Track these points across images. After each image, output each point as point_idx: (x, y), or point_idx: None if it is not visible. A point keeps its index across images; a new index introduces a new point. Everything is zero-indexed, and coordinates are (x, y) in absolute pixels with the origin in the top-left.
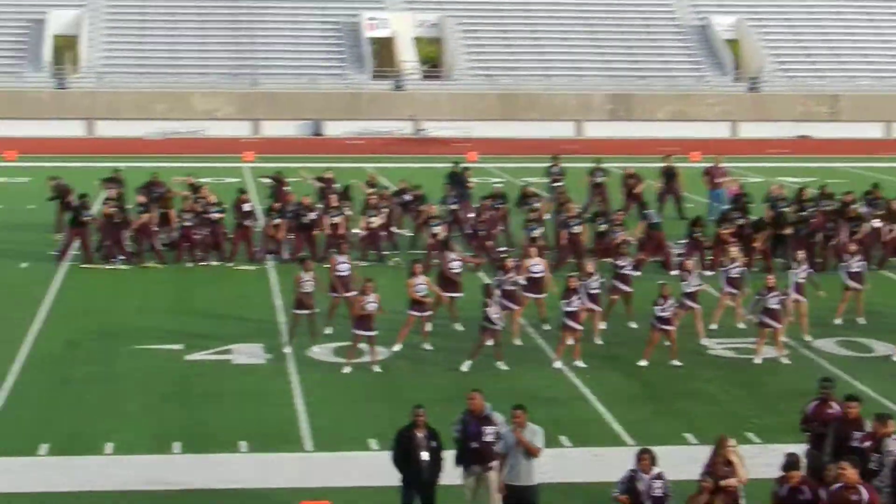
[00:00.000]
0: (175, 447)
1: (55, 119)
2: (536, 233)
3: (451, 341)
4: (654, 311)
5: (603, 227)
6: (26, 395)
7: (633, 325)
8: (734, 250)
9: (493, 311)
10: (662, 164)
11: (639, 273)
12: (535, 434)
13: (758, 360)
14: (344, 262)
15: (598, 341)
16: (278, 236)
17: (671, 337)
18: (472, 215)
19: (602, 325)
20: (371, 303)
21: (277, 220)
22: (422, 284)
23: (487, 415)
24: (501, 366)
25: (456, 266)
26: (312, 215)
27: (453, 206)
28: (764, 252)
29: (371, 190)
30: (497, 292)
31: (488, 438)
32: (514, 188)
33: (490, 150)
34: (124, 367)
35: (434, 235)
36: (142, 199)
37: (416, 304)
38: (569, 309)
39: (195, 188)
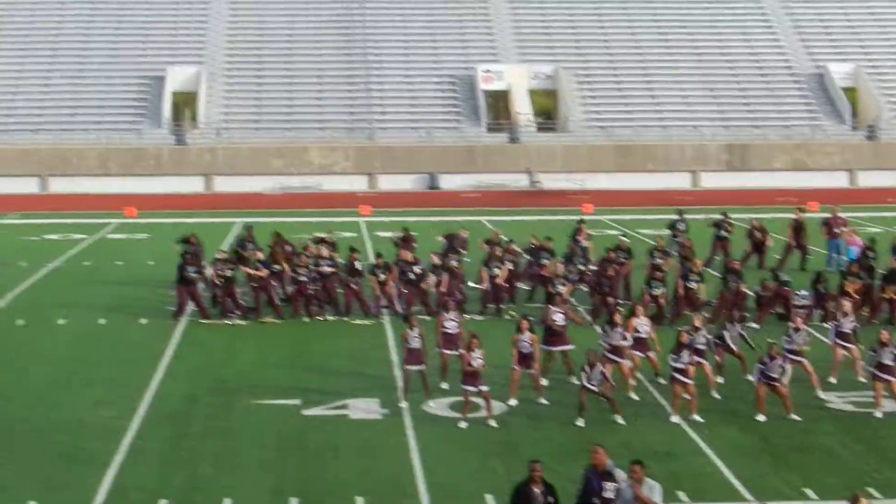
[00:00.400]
0: (292, 502)
1: (174, 175)
2: (658, 291)
3: (567, 395)
4: (760, 368)
5: (734, 284)
6: (146, 450)
7: (751, 377)
8: (847, 304)
9: (596, 373)
10: (793, 217)
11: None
12: (652, 489)
13: (878, 414)
14: (451, 320)
15: (715, 395)
16: (385, 292)
17: (780, 393)
18: (594, 268)
19: (719, 380)
20: (477, 359)
21: (382, 277)
22: (525, 341)
23: (609, 470)
24: (619, 420)
25: (559, 319)
26: (417, 269)
27: (580, 265)
28: (892, 303)
29: (494, 245)
30: (599, 354)
31: (608, 495)
32: (636, 241)
33: (605, 202)
34: (242, 421)
35: (558, 294)
36: (259, 254)
37: (522, 359)
38: (676, 365)
39: (328, 242)
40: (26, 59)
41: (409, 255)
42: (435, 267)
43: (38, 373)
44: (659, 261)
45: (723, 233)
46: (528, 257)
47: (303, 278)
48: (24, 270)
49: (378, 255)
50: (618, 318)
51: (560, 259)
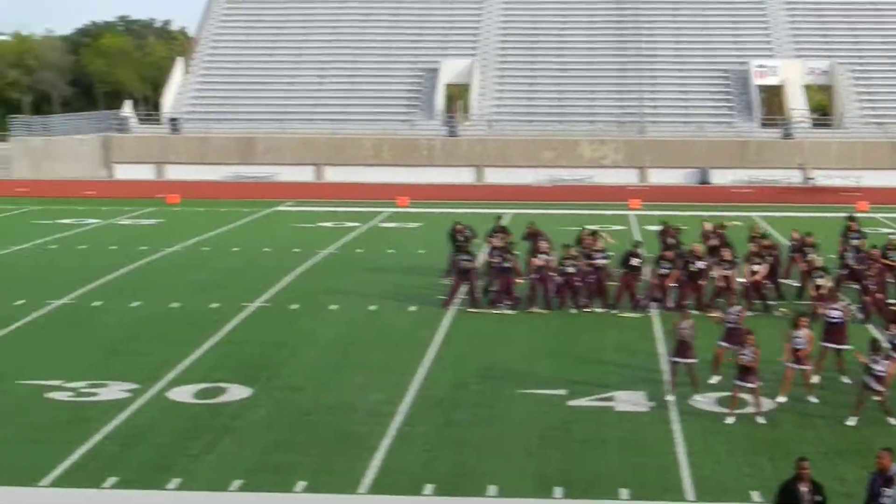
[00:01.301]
0: (556, 492)
1: (445, 166)
2: None
3: (838, 394)
4: None
5: None
6: (413, 435)
7: None
8: None
9: (879, 368)
10: None
11: None
12: None
13: None
14: (734, 314)
15: None
16: (665, 284)
17: None
18: (862, 268)
19: None
20: (747, 355)
21: (665, 270)
22: (800, 338)
23: (892, 475)
24: (892, 421)
25: (836, 316)
26: (700, 264)
27: (849, 262)
28: None
29: (756, 239)
30: (887, 346)
31: (885, 501)
32: None
33: (881, 200)
34: (507, 410)
35: (818, 287)
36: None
37: (796, 356)
38: None
39: (590, 234)
40: (303, 50)
41: (699, 248)
42: (721, 261)
43: (310, 356)
44: None
45: None
46: (791, 253)
47: (570, 270)
48: (298, 256)
49: (665, 247)
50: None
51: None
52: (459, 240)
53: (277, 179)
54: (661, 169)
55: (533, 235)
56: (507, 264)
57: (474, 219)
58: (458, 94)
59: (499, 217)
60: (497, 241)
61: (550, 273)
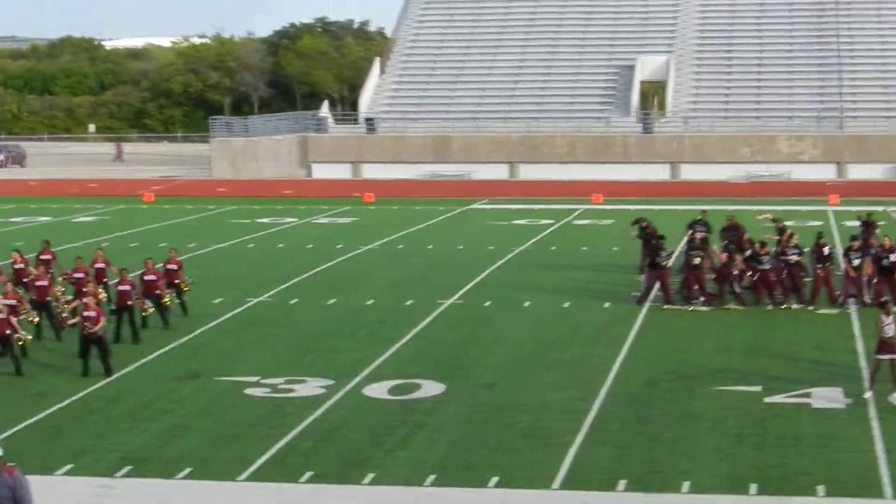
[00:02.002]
0: (752, 488)
1: (640, 163)
2: None
3: None
4: None
5: None
6: (606, 432)
7: None
8: None
9: None
10: None
11: None
12: None
13: None
14: None
15: None
16: (858, 275)
17: None
18: None
19: None
20: None
21: (857, 261)
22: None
23: None
24: None
25: None
26: (893, 258)
27: None
28: None
29: None
30: None
31: None
32: None
33: None
34: (701, 407)
35: None
36: (723, 242)
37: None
38: None
39: (780, 231)
40: (498, 49)
41: (887, 242)
42: None
43: (503, 353)
44: None
45: None
46: None
47: (765, 266)
48: (491, 254)
49: (853, 238)
50: None
51: None
52: (647, 235)
53: (472, 178)
54: (861, 164)
55: (731, 229)
56: (696, 261)
57: (669, 215)
58: (653, 91)
59: (703, 212)
60: (699, 236)
61: (739, 270)
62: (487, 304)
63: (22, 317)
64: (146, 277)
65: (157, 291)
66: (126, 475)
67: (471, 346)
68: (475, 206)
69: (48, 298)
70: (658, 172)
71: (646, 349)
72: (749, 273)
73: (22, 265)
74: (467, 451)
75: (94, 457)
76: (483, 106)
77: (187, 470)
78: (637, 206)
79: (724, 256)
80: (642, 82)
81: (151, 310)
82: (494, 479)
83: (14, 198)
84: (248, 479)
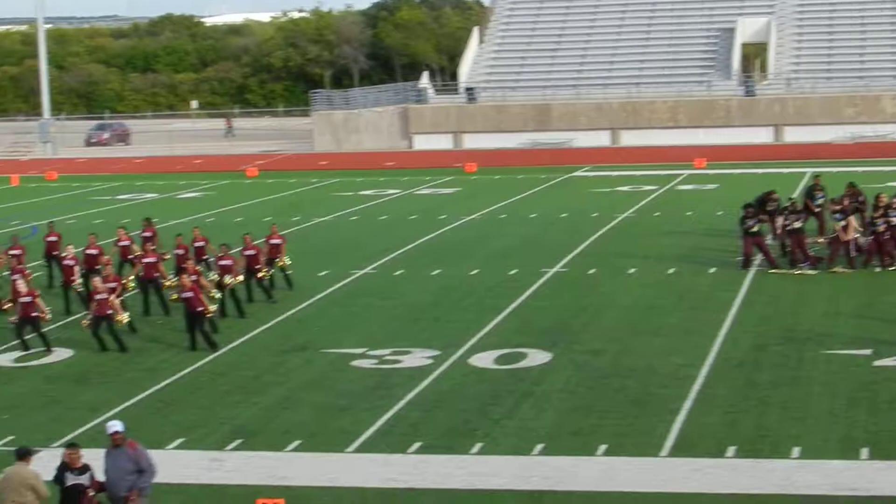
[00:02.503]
0: (863, 453)
1: (743, 126)
2: None
3: None
4: None
5: None
6: (714, 398)
7: None
8: None
9: None
10: None
11: None
12: None
13: None
14: None
15: None
16: None
17: None
18: None
19: None
20: None
21: None
22: None
23: None
24: None
25: None
26: None
27: None
28: None
29: None
30: None
31: None
32: None
33: None
34: (810, 371)
35: None
36: (836, 206)
37: None
38: None
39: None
40: (596, 15)
41: None
42: None
43: (609, 320)
44: None
45: None
46: None
47: (880, 228)
48: (595, 222)
49: None
50: None
51: None
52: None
53: (573, 145)
54: None
55: (850, 195)
56: (796, 225)
57: (773, 179)
58: (754, 53)
59: (816, 177)
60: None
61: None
62: (592, 271)
63: (125, 296)
64: (246, 252)
65: (258, 266)
66: (236, 448)
67: (576, 313)
68: (577, 173)
69: (155, 275)
70: (761, 135)
71: (753, 314)
72: (865, 237)
73: (127, 242)
74: (575, 420)
75: (204, 430)
76: (583, 73)
77: (296, 442)
78: (741, 171)
79: (851, 222)
80: (743, 44)
81: (240, 278)
82: (602, 447)
83: (120, 175)
84: (356, 450)
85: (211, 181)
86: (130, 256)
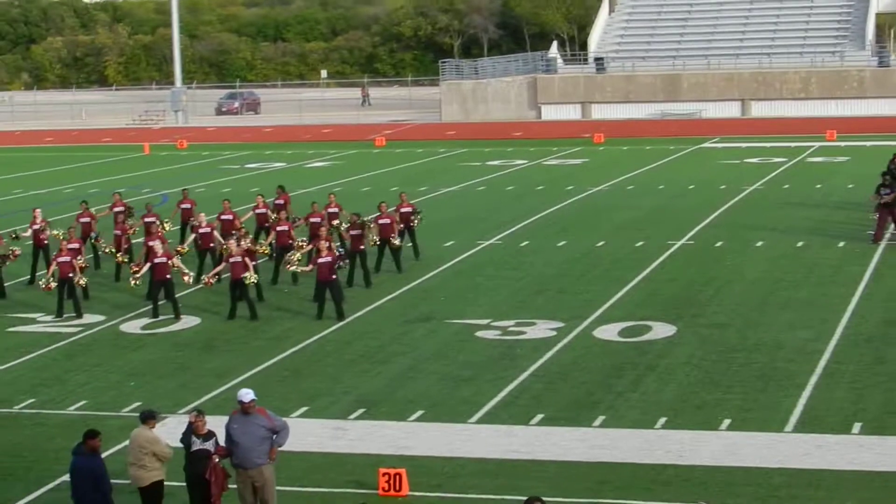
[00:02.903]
0: None
1: (876, 98)
2: None
3: None
4: None
5: None
6: (842, 373)
7: None
8: None
9: None
10: None
11: None
12: None
13: None
14: None
15: None
16: None
17: None
18: None
19: None
20: None
21: None
22: None
23: None
24: None
25: None
26: None
27: None
28: None
29: None
30: None
31: None
32: None
33: None
34: None
35: None
36: None
37: None
38: None
39: None
40: None
41: None
42: None
43: (735, 293)
44: None
45: None
46: None
47: None
48: (723, 194)
49: None
50: None
51: None
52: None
53: (703, 116)
54: None
55: None
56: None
57: None
58: (889, 23)
59: None
60: None
61: None
62: (719, 244)
63: (261, 261)
64: (381, 221)
65: (392, 235)
66: (359, 417)
67: (702, 286)
68: (706, 144)
69: (289, 241)
70: (894, 107)
71: (883, 288)
72: None
73: (264, 210)
74: (699, 393)
75: (329, 399)
76: (714, 42)
77: (419, 412)
78: (872, 143)
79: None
80: (878, 14)
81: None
82: (726, 422)
83: (250, 144)
84: (479, 421)
85: (339, 150)
86: (267, 224)
